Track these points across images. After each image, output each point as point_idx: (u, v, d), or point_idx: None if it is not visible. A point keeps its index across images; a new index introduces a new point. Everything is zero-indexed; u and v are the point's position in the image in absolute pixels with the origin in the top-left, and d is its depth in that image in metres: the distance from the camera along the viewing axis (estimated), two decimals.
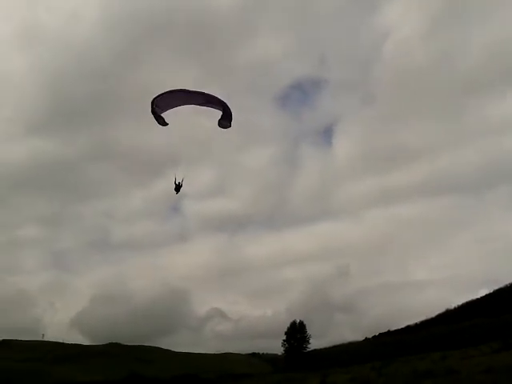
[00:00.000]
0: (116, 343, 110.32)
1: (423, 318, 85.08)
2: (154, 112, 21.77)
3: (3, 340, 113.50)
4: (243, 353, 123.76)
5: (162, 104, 21.81)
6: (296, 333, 73.12)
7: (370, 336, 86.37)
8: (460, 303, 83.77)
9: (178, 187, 23.52)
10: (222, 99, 22.56)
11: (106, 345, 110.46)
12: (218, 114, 22.92)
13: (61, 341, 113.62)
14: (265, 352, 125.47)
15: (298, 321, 74.38)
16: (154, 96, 21.44)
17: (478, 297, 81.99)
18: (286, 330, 74.33)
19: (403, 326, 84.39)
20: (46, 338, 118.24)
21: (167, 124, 22.59)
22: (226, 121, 22.98)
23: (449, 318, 75.90)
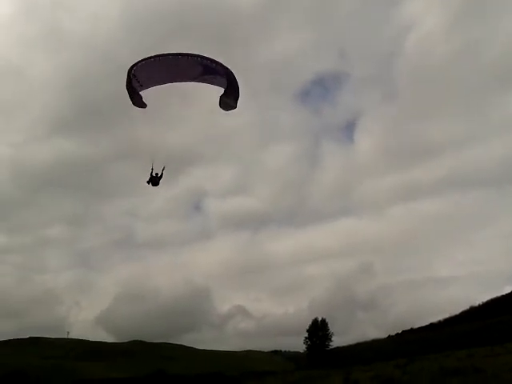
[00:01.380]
0: (140, 341, 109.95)
1: (447, 315, 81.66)
2: (130, 86, 18.17)
3: (30, 337, 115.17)
4: (265, 350, 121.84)
5: (142, 76, 18.24)
6: (318, 330, 70.14)
7: (393, 333, 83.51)
8: (485, 300, 79.94)
9: (155, 178, 20.00)
10: (226, 66, 18.42)
11: (130, 342, 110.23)
12: (220, 91, 18.75)
13: (86, 338, 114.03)
14: (287, 350, 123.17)
15: (320, 318, 71.73)
16: (133, 63, 18.10)
17: (504, 293, 77.85)
18: (308, 327, 71.22)
19: (427, 324, 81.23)
20: (71, 336, 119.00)
21: (145, 106, 18.78)
22: (230, 98, 18.59)
23: (473, 315, 72.52)
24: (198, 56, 18.62)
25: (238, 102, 19.48)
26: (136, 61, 18.45)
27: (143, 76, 18.56)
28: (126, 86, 18.57)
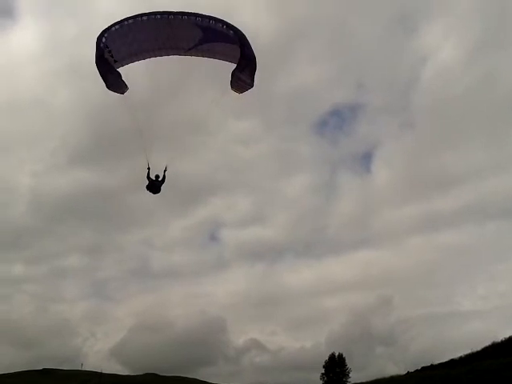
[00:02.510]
0: (153, 374, 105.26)
1: (468, 351, 75.63)
2: (100, 62, 12.95)
3: (43, 369, 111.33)
4: None
5: (117, 47, 12.92)
6: (335, 366, 66.25)
7: (412, 370, 77.98)
8: (508, 336, 73.67)
9: (155, 183, 15.01)
10: (236, 28, 13.24)
11: (144, 375, 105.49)
12: (228, 66, 13.59)
13: (99, 370, 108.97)
14: None
15: (337, 353, 67.80)
16: (104, 28, 12.74)
17: None
18: (324, 362, 66.92)
19: (447, 360, 75.23)
20: (84, 368, 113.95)
21: (124, 89, 13.66)
22: (246, 72, 13.53)
23: (496, 351, 66.42)
24: (197, 15, 12.81)
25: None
26: (109, 25, 12.72)
27: (118, 47, 12.99)
28: (96, 61, 12.86)
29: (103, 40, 12.72)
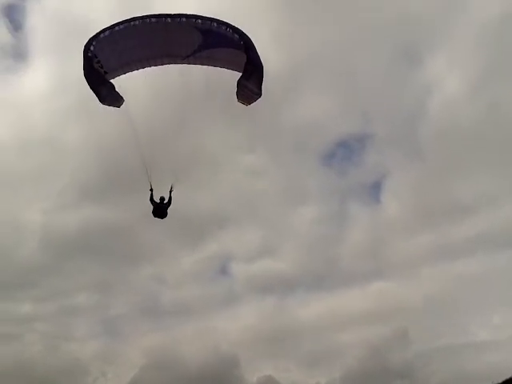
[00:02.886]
0: None
1: (489, 383, 70.22)
2: (89, 73, 11.60)
3: None
4: None
5: (106, 57, 11.56)
6: None
7: None
8: None
9: (160, 206, 13.38)
10: (241, 31, 11.90)
11: None
12: (232, 75, 12.24)
13: None
14: None
15: None
16: (91, 36, 11.32)
17: None
18: None
19: None
20: None
21: (120, 102, 12.29)
22: (253, 80, 12.16)
23: None
24: (197, 17, 11.32)
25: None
26: (97, 31, 11.22)
27: (108, 56, 11.41)
28: (84, 72, 11.32)
29: (91, 48, 11.18)
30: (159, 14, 11.31)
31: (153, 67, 12.18)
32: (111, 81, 11.87)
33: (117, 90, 11.99)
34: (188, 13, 11.29)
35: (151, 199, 13.23)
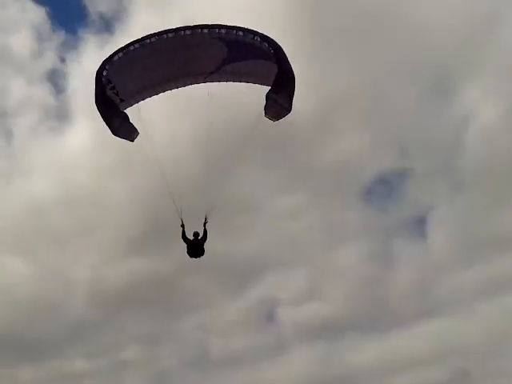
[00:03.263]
0: None
1: None
2: (102, 101, 10.34)
3: None
4: None
5: (122, 81, 10.28)
6: None
7: None
8: None
9: (195, 243, 11.77)
10: (271, 38, 10.43)
11: None
12: (259, 90, 10.83)
13: None
14: None
15: None
16: (104, 59, 10.09)
17: None
18: None
19: None
20: None
21: (134, 135, 10.99)
22: (283, 93, 10.60)
23: None
24: (221, 27, 9.96)
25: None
26: (111, 53, 10.01)
27: (124, 80, 10.07)
28: (96, 100, 10.05)
29: (104, 73, 9.94)
30: (177, 28, 10.01)
31: (176, 90, 10.77)
32: (128, 109, 10.54)
33: (131, 121, 10.60)
34: (209, 23, 9.94)
35: (183, 236, 11.68)
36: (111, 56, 10.08)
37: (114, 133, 10.76)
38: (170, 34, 9.96)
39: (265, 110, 10.37)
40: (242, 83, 10.73)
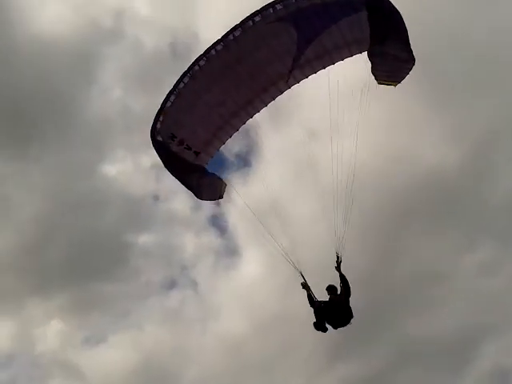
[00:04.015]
0: None
1: None
2: (171, 160, 8.02)
3: None
4: None
5: (187, 129, 7.82)
6: None
7: None
8: None
9: (335, 298, 7.95)
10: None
11: None
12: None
13: None
14: None
15: None
16: (159, 109, 7.80)
17: None
18: None
19: None
20: None
21: (220, 194, 8.51)
22: (393, 43, 7.30)
23: None
24: (270, 5, 7.12)
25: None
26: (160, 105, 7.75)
27: (189, 127, 7.60)
28: (165, 165, 7.74)
29: (157, 126, 7.57)
30: (225, 33, 7.34)
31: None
32: (208, 160, 7.89)
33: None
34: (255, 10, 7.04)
35: (310, 298, 7.84)
36: (161, 107, 7.73)
37: (199, 197, 8.11)
38: (218, 47, 7.36)
39: (374, 74, 6.81)
40: (335, 64, 7.36)
